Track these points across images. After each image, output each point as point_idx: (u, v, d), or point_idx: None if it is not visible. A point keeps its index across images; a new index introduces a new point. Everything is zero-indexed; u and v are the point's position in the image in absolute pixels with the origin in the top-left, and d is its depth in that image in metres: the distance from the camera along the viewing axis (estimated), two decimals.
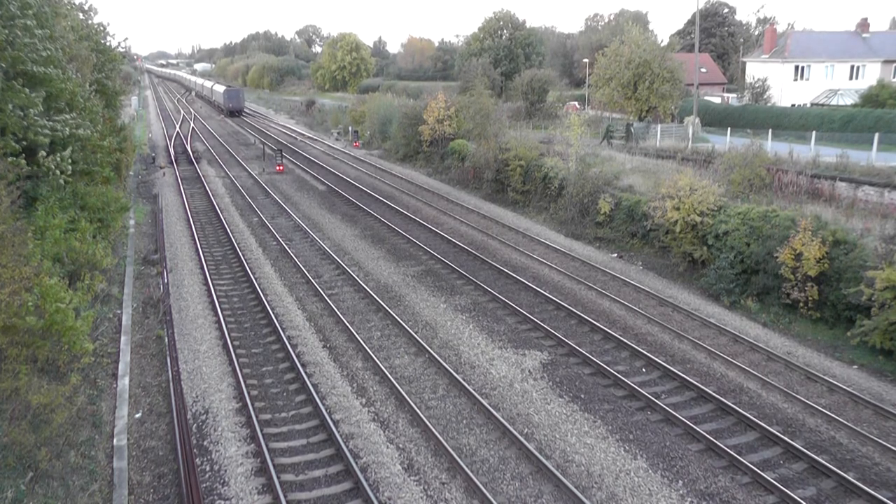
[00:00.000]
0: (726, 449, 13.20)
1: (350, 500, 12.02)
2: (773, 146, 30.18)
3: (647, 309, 20.67)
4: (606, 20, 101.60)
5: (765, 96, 58.52)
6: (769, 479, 12.23)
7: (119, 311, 20.14)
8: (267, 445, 13.33)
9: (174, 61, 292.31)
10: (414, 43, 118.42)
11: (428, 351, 17.60)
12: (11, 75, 18.44)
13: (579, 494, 11.78)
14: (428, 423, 14.08)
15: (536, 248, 27.30)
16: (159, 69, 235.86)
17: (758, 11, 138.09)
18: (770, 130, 34.13)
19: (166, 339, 18.35)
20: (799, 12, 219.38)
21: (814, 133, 32.32)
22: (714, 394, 15.35)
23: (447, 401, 15.37)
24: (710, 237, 22.59)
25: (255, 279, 23.25)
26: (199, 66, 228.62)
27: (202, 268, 24.42)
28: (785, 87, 58.24)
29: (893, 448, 13.26)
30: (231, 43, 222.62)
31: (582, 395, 15.58)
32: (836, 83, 57.48)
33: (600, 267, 24.54)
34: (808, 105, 54.62)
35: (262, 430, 13.81)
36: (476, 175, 38.98)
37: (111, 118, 31.31)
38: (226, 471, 12.76)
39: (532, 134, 39.95)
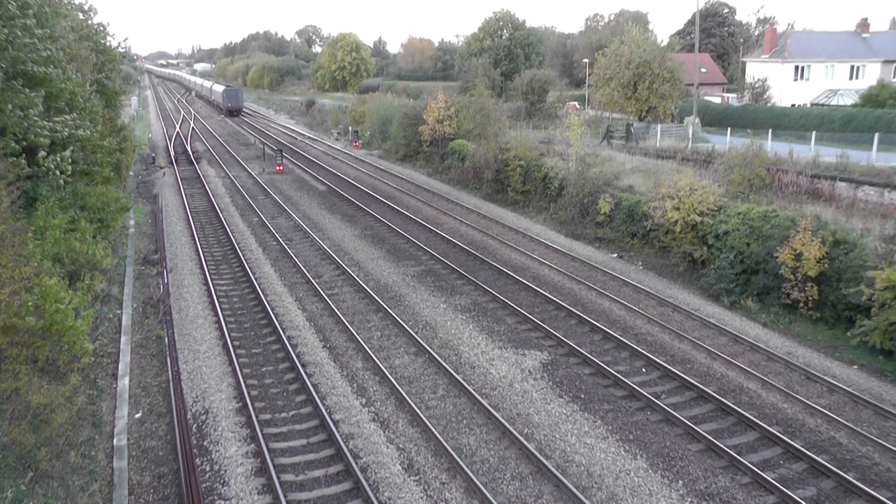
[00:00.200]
0: (726, 449, 13.20)
1: (350, 501, 12.02)
2: (773, 146, 30.20)
3: (647, 309, 20.67)
4: (606, 20, 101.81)
5: (765, 96, 58.53)
6: (769, 479, 12.24)
7: (119, 311, 20.14)
8: (267, 445, 13.34)
9: (174, 61, 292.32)
10: (414, 43, 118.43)
11: (428, 351, 17.61)
12: (11, 75, 18.44)
13: (579, 494, 11.79)
14: (428, 423, 14.09)
15: (536, 248, 27.30)
16: (159, 69, 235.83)
17: (758, 11, 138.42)
18: (770, 130, 34.16)
19: (166, 339, 18.35)
20: (799, 12, 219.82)
21: (814, 133, 32.34)
22: (714, 394, 15.35)
23: (447, 401, 15.37)
24: (710, 237, 22.60)
25: (255, 279, 23.26)
26: (199, 67, 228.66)
27: (202, 268, 24.42)
28: (785, 87, 58.25)
29: (893, 448, 13.26)
30: (231, 43, 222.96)
31: (582, 395, 15.58)
32: (836, 83, 57.49)
33: (600, 267, 24.54)
34: (808, 105, 54.64)
35: (262, 431, 13.82)
36: (476, 175, 38.98)
37: (111, 118, 31.29)
38: (226, 471, 12.77)
39: (532, 134, 39.92)
